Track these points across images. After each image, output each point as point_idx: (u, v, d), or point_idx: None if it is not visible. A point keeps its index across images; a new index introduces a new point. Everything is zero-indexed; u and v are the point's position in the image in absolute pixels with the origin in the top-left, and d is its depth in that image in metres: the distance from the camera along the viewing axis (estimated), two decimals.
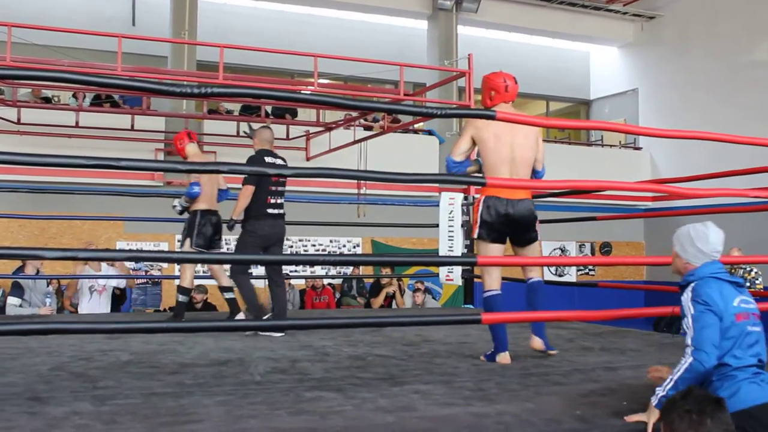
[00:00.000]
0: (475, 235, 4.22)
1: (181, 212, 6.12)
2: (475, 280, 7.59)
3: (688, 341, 2.65)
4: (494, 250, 4.19)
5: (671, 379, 2.64)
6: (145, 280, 9.37)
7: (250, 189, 5.35)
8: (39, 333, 2.97)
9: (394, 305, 9.34)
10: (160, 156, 10.16)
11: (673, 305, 2.97)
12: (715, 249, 2.79)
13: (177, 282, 6.19)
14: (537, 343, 4.23)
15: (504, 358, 4.09)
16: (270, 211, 5.47)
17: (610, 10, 13.59)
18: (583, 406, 3.00)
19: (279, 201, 5.54)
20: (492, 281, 4.21)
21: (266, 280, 5.66)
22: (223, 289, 6.11)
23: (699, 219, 2.95)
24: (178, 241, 6.22)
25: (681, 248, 2.84)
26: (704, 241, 2.78)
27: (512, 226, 4.19)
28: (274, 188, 5.47)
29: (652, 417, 2.64)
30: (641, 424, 2.70)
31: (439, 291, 11.11)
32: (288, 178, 5.38)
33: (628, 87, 14.38)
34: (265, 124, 6.29)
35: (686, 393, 2.26)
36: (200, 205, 5.98)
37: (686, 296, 2.74)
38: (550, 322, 5.69)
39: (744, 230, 5.77)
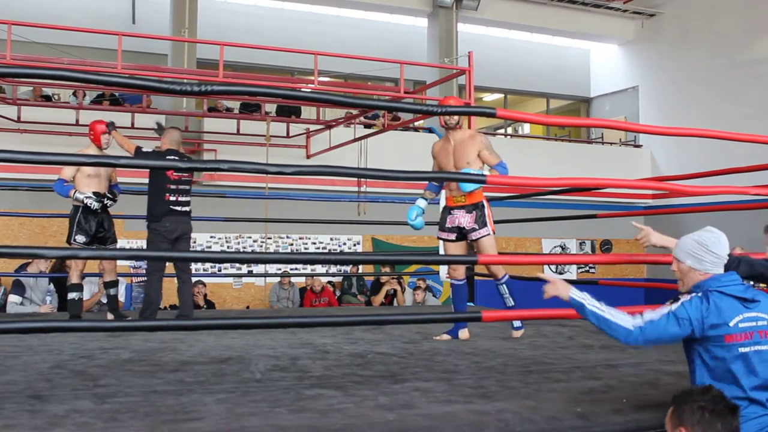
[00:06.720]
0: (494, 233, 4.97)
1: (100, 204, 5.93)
2: (476, 278, 7.60)
3: (654, 316, 2.52)
4: None
5: (594, 305, 2.68)
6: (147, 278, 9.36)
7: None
8: (40, 331, 2.97)
9: (394, 303, 9.35)
10: None
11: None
12: (727, 252, 2.61)
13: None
14: (467, 334, 4.97)
15: (465, 333, 4.92)
16: (172, 207, 5.76)
17: (611, 8, 13.57)
18: (584, 403, 3.00)
19: (182, 199, 5.82)
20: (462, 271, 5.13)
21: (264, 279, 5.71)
22: (108, 285, 6.10)
23: (700, 217, 2.93)
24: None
25: (695, 260, 2.58)
26: (719, 245, 2.57)
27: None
28: (174, 186, 5.79)
29: (560, 289, 2.77)
30: (642, 423, 2.70)
31: (440, 289, 11.11)
32: (287, 177, 5.44)
33: (629, 84, 14.36)
34: (174, 126, 6.32)
35: (706, 389, 2.20)
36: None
37: (689, 296, 2.56)
38: (550, 320, 5.70)
39: (744, 228, 5.74)
